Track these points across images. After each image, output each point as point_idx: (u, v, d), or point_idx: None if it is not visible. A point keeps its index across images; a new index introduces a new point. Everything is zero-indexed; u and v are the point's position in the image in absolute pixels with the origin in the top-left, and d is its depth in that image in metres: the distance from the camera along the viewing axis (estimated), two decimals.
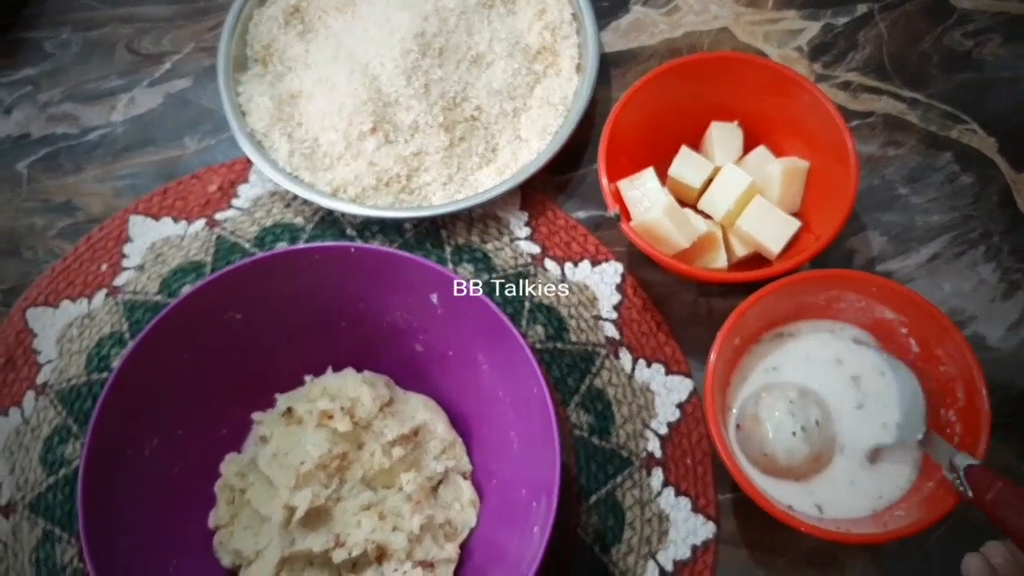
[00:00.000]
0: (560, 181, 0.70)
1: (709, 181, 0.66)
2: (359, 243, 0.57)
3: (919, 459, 0.56)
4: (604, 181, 0.62)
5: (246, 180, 0.71)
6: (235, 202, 0.70)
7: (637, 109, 0.64)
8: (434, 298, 0.57)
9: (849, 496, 0.55)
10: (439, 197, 0.68)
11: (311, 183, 0.67)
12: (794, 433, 0.55)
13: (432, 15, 0.70)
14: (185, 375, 0.57)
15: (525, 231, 0.68)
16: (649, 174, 0.64)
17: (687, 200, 0.66)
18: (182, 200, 0.70)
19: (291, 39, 0.73)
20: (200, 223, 0.69)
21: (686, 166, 0.66)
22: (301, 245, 0.61)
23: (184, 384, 0.57)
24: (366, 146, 0.68)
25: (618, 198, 0.64)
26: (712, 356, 0.55)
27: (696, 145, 0.68)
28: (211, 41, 0.76)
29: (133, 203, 0.70)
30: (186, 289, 0.65)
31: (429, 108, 0.68)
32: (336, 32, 0.73)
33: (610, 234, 0.68)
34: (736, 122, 0.67)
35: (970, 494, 0.47)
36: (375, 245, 0.61)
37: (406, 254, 0.56)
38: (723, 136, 0.67)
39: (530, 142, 0.69)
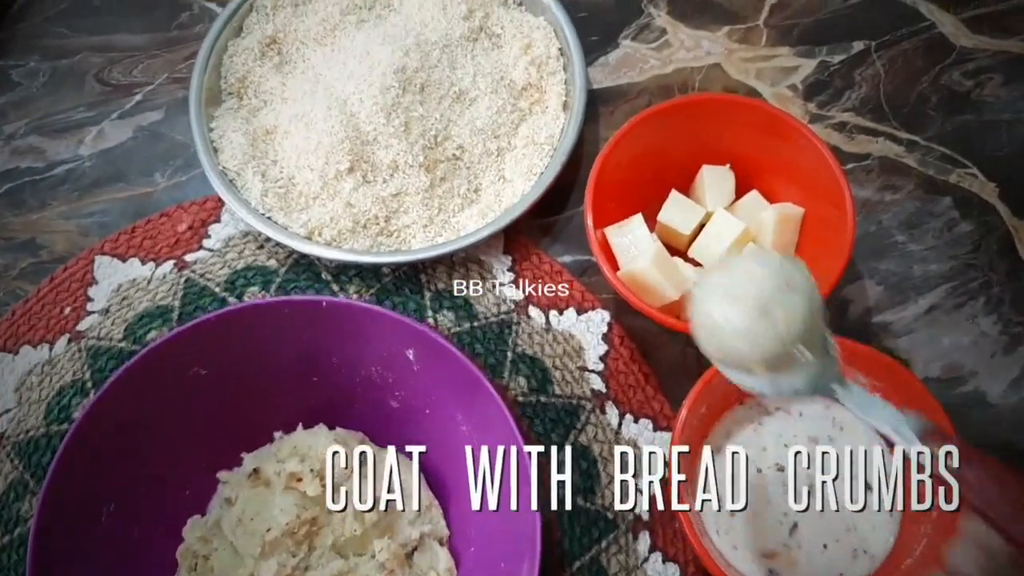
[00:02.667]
0: (545, 224, 0.68)
1: (700, 227, 0.63)
2: (331, 296, 0.54)
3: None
4: (590, 228, 0.60)
5: (218, 219, 0.68)
6: (206, 243, 0.67)
7: (625, 152, 0.62)
8: (410, 354, 0.55)
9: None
10: (419, 240, 0.65)
11: (285, 224, 0.64)
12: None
13: (414, 49, 0.68)
14: (147, 432, 0.54)
15: (508, 276, 0.66)
16: (637, 221, 0.62)
17: (677, 247, 0.64)
18: (151, 240, 0.67)
19: (267, 72, 0.70)
20: (168, 265, 0.66)
21: (676, 211, 0.63)
22: (270, 298, 0.59)
23: (146, 442, 0.54)
24: (343, 186, 0.65)
25: (604, 245, 0.61)
26: (678, 424, 0.52)
27: (686, 189, 0.65)
28: (185, 71, 0.74)
29: (100, 242, 0.67)
30: (151, 338, 0.62)
31: (409, 147, 0.65)
32: (314, 65, 0.70)
33: (596, 280, 0.65)
34: (728, 165, 0.65)
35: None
36: (349, 298, 0.59)
37: (381, 309, 0.54)
38: (714, 180, 0.64)
39: (514, 183, 0.67)
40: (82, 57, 0.74)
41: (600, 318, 0.64)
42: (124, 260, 0.66)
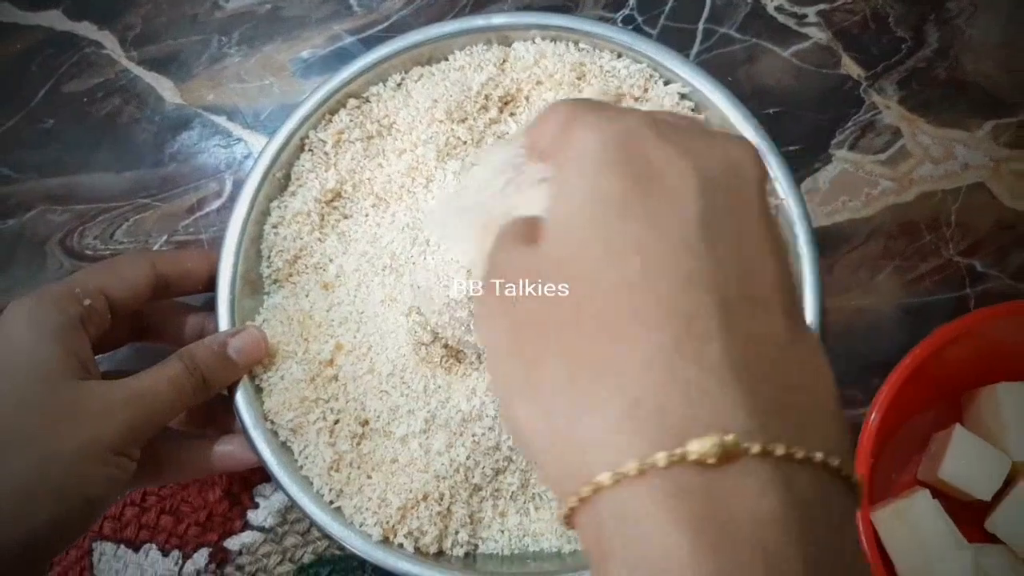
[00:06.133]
0: None
1: (1007, 485, 0.42)
2: None
3: None
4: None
5: (266, 476, 0.46)
6: (253, 516, 0.46)
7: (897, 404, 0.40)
8: None
9: None
10: None
11: (358, 517, 0.43)
12: None
13: None
14: None
15: None
16: (923, 499, 0.40)
17: (964, 514, 0.42)
18: (171, 515, 0.46)
19: (331, 247, 0.46)
20: (202, 556, 0.45)
21: (964, 463, 0.42)
22: None
23: None
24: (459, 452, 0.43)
25: (872, 540, 0.40)
26: None
27: (963, 413, 0.44)
28: (194, 229, 0.50)
29: (98, 520, 0.46)
30: None
31: None
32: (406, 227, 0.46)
33: None
34: None
35: None
36: None
37: None
38: (1020, 407, 0.42)
39: None
40: (37, 213, 0.51)
41: None
42: (136, 548, 0.45)
